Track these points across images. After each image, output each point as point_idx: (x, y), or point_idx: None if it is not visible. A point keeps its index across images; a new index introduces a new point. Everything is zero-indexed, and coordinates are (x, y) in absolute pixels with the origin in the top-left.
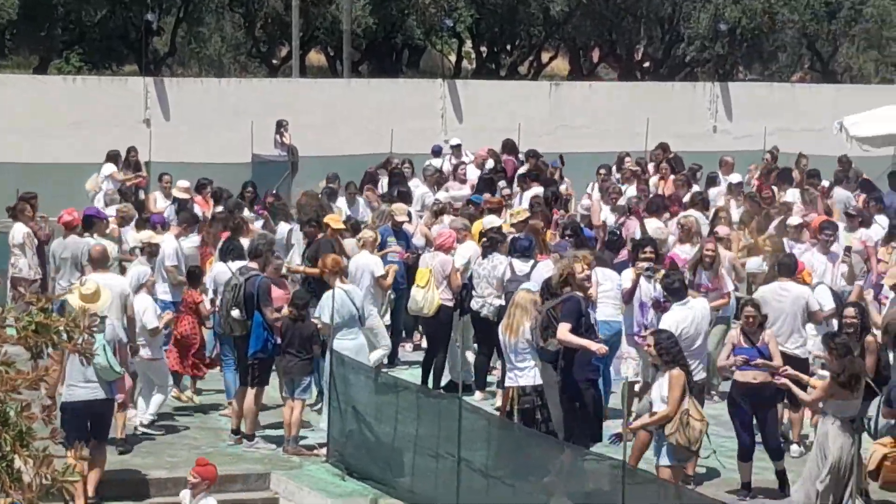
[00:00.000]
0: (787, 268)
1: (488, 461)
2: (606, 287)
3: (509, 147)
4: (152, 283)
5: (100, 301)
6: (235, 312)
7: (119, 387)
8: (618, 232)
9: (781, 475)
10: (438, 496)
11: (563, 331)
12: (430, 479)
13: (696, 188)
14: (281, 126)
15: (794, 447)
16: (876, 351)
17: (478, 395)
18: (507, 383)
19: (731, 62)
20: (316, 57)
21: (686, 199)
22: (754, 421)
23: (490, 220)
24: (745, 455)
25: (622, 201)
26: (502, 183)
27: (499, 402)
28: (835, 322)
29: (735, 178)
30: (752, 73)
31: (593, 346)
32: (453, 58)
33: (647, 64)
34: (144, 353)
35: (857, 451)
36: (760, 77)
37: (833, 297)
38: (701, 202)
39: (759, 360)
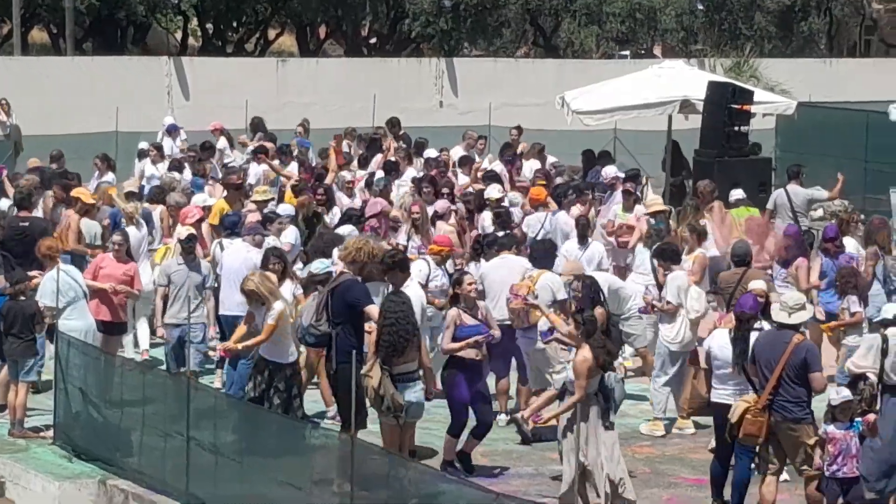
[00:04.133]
0: (510, 242)
1: (217, 439)
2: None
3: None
4: None
5: None
6: None
7: None
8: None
9: (469, 456)
10: (167, 475)
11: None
12: (158, 459)
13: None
14: (1, 105)
15: (501, 416)
16: (605, 323)
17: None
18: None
19: (457, 38)
20: (39, 35)
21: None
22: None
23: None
24: (457, 430)
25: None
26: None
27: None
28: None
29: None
30: (476, 48)
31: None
32: (179, 35)
33: (373, 40)
34: None
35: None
36: (485, 52)
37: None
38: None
39: (480, 338)
